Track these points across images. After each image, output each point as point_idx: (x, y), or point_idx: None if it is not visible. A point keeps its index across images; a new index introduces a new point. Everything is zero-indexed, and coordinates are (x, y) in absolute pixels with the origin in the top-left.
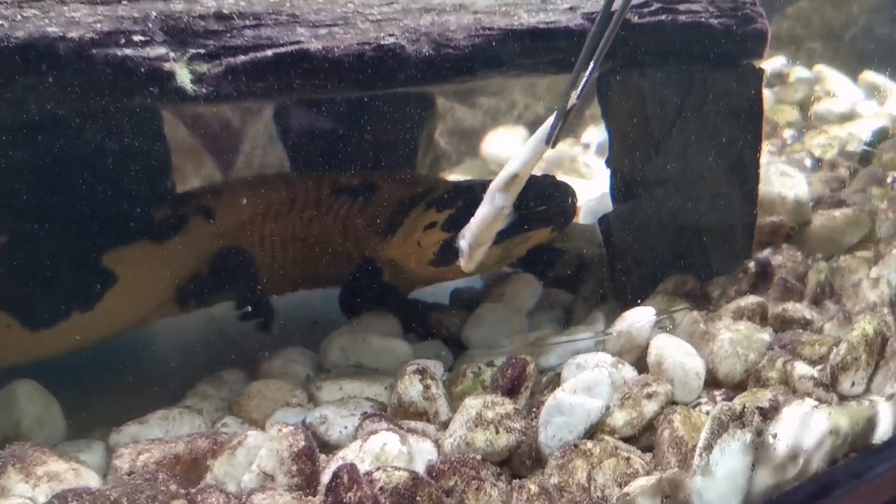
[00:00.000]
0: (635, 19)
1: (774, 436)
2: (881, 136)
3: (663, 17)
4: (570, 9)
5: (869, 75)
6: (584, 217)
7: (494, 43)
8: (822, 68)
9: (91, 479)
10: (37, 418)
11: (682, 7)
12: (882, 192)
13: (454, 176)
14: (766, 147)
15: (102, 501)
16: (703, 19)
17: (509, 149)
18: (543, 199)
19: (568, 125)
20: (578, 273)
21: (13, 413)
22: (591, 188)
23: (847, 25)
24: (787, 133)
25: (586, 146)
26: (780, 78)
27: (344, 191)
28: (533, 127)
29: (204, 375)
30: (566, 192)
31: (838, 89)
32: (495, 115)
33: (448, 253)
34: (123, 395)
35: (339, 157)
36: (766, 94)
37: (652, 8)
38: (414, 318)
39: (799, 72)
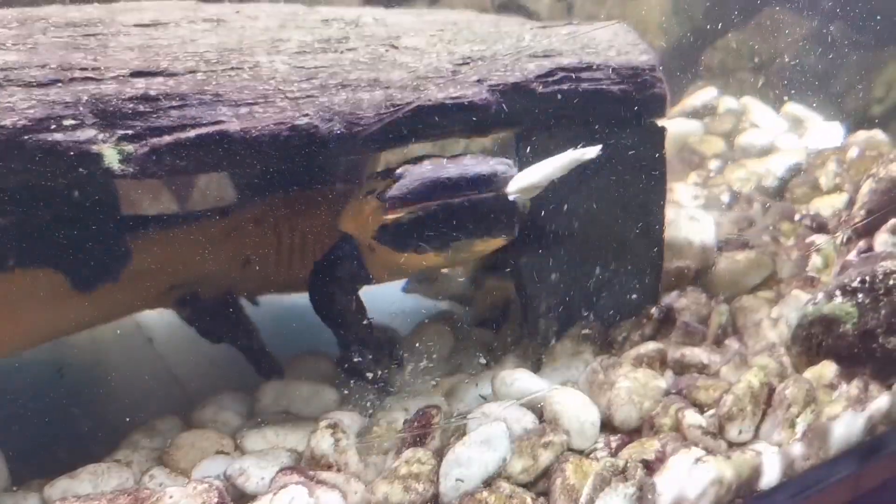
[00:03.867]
0: (540, 89)
1: (654, 489)
2: (795, 171)
3: (565, 86)
4: (478, 81)
5: (791, 107)
6: None
7: (403, 118)
8: (747, 100)
9: None
10: None
11: (584, 75)
12: (791, 228)
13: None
14: (693, 177)
15: None
16: (604, 86)
17: None
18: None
19: None
20: (504, 311)
21: None
22: None
23: (774, 57)
24: (713, 164)
25: None
26: (710, 109)
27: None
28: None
29: (139, 424)
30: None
31: (762, 121)
32: (443, 145)
33: (392, 233)
34: (65, 444)
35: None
36: (697, 125)
37: (556, 77)
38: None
39: (727, 103)
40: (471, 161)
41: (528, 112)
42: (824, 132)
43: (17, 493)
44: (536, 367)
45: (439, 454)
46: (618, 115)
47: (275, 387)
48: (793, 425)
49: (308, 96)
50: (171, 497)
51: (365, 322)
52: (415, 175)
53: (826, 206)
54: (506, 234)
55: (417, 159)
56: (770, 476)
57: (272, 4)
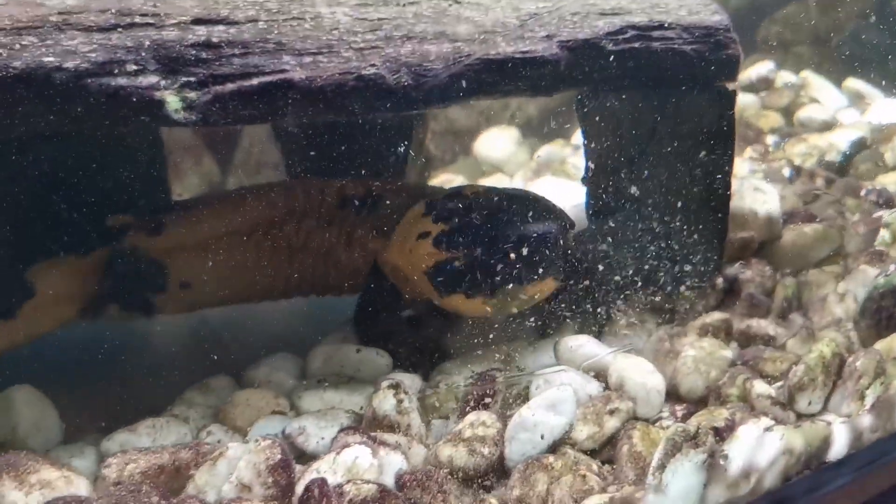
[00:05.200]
0: (610, 46)
1: (727, 456)
2: (859, 146)
3: (637, 45)
4: (547, 37)
5: (852, 82)
6: None
7: (472, 72)
8: (807, 74)
9: (81, 487)
10: (34, 423)
11: (655, 34)
12: (856, 204)
13: (447, 175)
14: (749, 152)
15: None
16: (676, 46)
17: (501, 149)
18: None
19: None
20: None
21: (10, 418)
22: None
23: (834, 31)
24: (770, 140)
25: (576, 147)
26: (766, 83)
27: (348, 199)
28: (525, 128)
29: (193, 382)
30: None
31: (822, 96)
32: (489, 116)
33: (447, 277)
34: (116, 399)
35: (330, 158)
36: (753, 98)
37: (627, 35)
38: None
39: (785, 77)
40: (530, 209)
41: (598, 70)
42: (887, 108)
43: (73, 447)
44: (597, 336)
45: (503, 418)
46: (688, 77)
47: (325, 350)
48: (862, 397)
49: (373, 47)
50: (232, 452)
51: (410, 339)
52: (471, 226)
53: (892, 181)
54: (556, 279)
55: (469, 197)
56: (838, 447)
57: None
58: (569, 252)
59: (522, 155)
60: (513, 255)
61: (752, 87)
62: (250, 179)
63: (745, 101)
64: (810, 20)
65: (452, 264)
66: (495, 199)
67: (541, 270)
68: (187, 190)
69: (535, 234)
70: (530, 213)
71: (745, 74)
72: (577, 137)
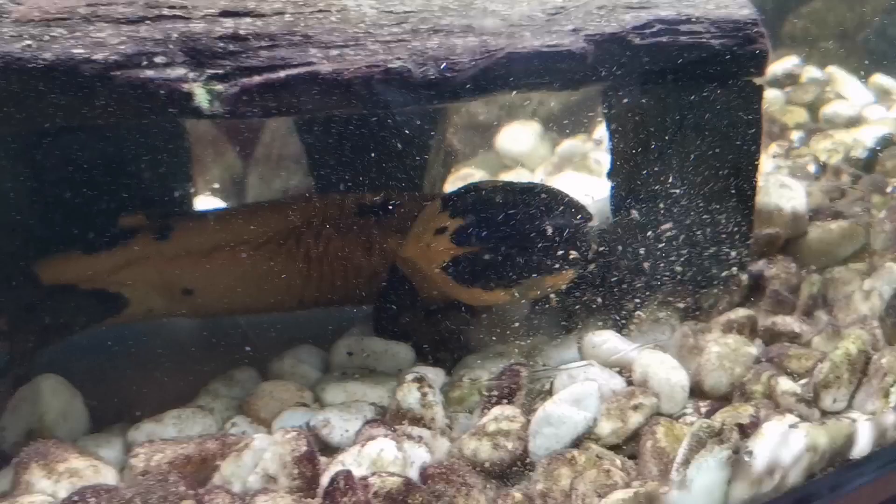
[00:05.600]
0: (637, 41)
1: (751, 453)
2: (885, 142)
3: (664, 39)
4: (574, 30)
5: (879, 78)
6: None
7: (498, 66)
8: (833, 69)
9: (109, 476)
10: (61, 412)
11: (683, 28)
12: (882, 201)
13: (468, 169)
14: (774, 148)
15: (118, 500)
16: (704, 40)
17: (523, 143)
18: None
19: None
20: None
21: (38, 407)
22: (601, 186)
23: (860, 26)
24: (796, 135)
25: (598, 142)
26: (791, 78)
27: (366, 209)
28: (547, 122)
29: (217, 373)
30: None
31: (848, 91)
32: (510, 110)
33: (465, 270)
34: (140, 390)
35: (352, 149)
36: (777, 94)
37: (654, 29)
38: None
39: (811, 72)
40: (546, 200)
41: (625, 64)
42: None
43: (99, 436)
44: (621, 332)
45: (527, 412)
46: (716, 71)
47: (346, 343)
48: (887, 395)
49: (400, 40)
50: (258, 444)
51: (435, 335)
52: (487, 220)
53: None
54: (576, 268)
55: (485, 191)
56: (862, 445)
57: None
58: (587, 241)
59: (544, 149)
60: (530, 248)
61: (777, 83)
62: (272, 172)
63: (770, 96)
64: (836, 15)
65: (470, 258)
66: (510, 192)
67: (558, 262)
68: (209, 183)
69: (552, 225)
70: (545, 205)
71: (771, 70)
72: (599, 132)
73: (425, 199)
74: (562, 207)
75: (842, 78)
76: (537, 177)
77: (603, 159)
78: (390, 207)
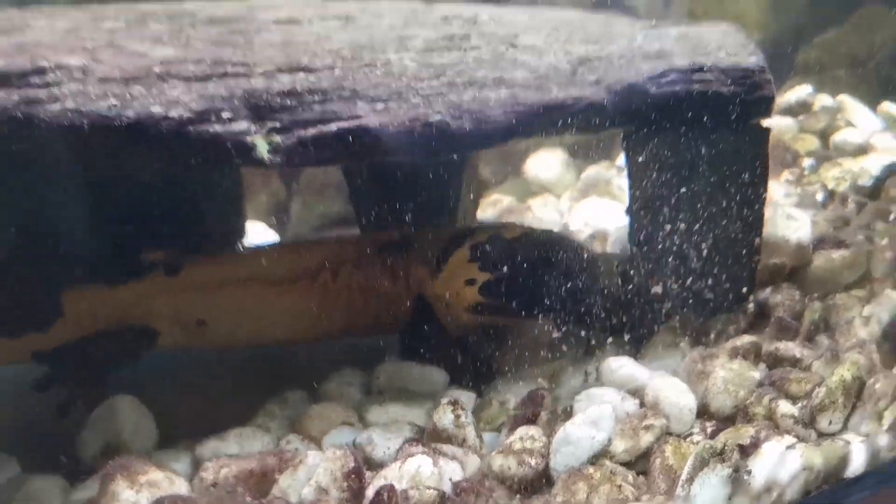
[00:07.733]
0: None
1: (751, 471)
2: (892, 170)
3: (678, 88)
4: (596, 81)
5: (888, 106)
6: (611, 245)
7: (527, 117)
8: (844, 97)
9: (182, 487)
10: (134, 429)
11: (696, 77)
12: (885, 229)
13: (497, 195)
14: (786, 175)
15: None
16: (714, 88)
17: (550, 170)
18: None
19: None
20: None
21: (115, 424)
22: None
23: (871, 54)
24: (807, 162)
25: (620, 169)
26: (804, 107)
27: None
28: (572, 149)
29: (271, 396)
30: None
31: (858, 119)
32: (537, 139)
33: (492, 314)
34: (203, 409)
35: (389, 179)
36: (791, 122)
37: (669, 78)
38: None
39: (823, 100)
40: (563, 255)
41: (641, 112)
42: None
43: (169, 452)
44: (635, 357)
45: (549, 432)
46: (725, 116)
47: (387, 368)
48: (880, 418)
49: (438, 93)
50: (311, 460)
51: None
52: (515, 278)
53: None
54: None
55: (510, 244)
56: (856, 465)
57: (391, 1)
58: (602, 292)
59: (569, 176)
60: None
61: (790, 111)
62: (315, 200)
63: (783, 124)
64: (848, 45)
65: (496, 306)
66: (531, 245)
67: (574, 318)
68: (256, 209)
69: (572, 288)
70: (566, 262)
71: (785, 98)
72: (621, 159)
73: (453, 232)
74: (580, 265)
75: (852, 106)
76: (563, 202)
77: (625, 185)
78: (414, 245)
